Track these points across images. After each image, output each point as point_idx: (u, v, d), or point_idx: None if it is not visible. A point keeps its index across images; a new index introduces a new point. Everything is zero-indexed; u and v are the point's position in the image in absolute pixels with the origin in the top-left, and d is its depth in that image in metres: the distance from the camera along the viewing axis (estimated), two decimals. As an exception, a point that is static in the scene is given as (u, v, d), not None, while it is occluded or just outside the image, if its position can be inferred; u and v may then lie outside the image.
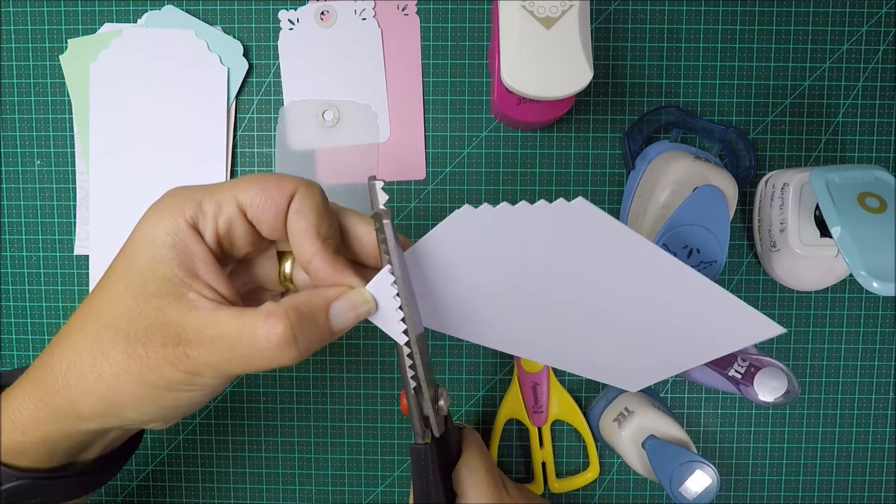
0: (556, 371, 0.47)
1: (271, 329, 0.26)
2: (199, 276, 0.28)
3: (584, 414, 0.47)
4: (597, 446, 0.47)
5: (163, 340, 0.27)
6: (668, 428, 0.41)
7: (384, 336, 0.36)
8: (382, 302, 0.28)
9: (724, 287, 0.45)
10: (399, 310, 0.28)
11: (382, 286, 0.28)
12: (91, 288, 0.46)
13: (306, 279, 0.31)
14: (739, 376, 0.39)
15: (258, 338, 0.26)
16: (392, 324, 0.28)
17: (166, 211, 0.28)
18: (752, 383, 0.38)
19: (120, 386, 0.27)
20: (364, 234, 0.30)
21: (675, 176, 0.40)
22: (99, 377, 0.27)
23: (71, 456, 0.31)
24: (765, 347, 0.47)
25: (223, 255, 0.29)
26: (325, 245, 0.28)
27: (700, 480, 0.38)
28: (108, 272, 0.29)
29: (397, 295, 0.28)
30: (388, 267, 0.27)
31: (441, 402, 0.31)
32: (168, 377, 0.27)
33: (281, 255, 0.32)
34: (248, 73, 0.46)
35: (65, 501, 0.32)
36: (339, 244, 0.30)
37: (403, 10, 0.45)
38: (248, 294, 0.33)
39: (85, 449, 0.32)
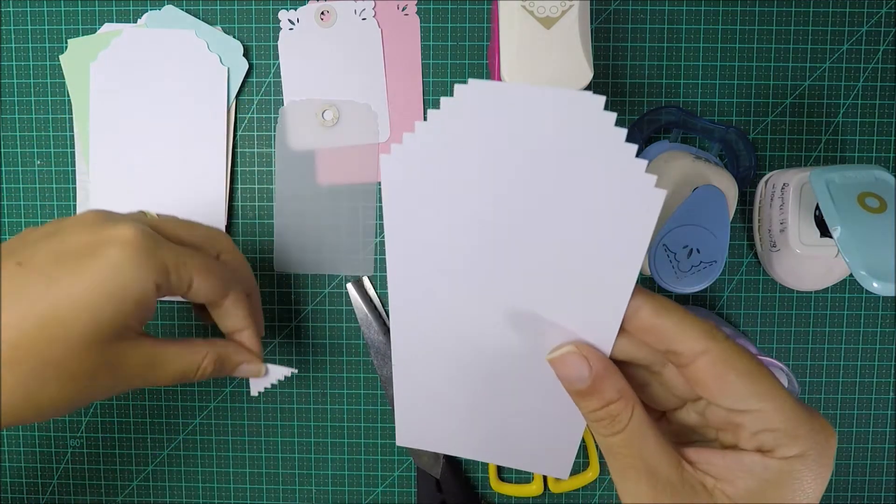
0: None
1: (205, 365, 0.35)
2: (146, 320, 0.33)
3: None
4: (597, 446, 0.47)
5: (108, 372, 0.31)
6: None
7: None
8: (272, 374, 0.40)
9: (723, 287, 0.45)
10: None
11: (275, 372, 0.40)
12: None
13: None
14: (739, 376, 0.39)
15: (192, 368, 0.35)
16: (268, 381, 0.40)
17: (140, 270, 0.31)
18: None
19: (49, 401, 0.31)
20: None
21: (675, 176, 0.40)
22: (33, 406, 0.30)
23: None
24: (765, 347, 0.47)
25: None
26: (250, 329, 0.38)
27: None
28: (55, 291, 0.30)
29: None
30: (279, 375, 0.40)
31: None
32: (98, 386, 0.32)
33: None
34: (248, 73, 0.46)
35: None
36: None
37: (403, 10, 0.45)
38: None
39: None
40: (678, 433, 0.27)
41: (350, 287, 0.46)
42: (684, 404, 0.27)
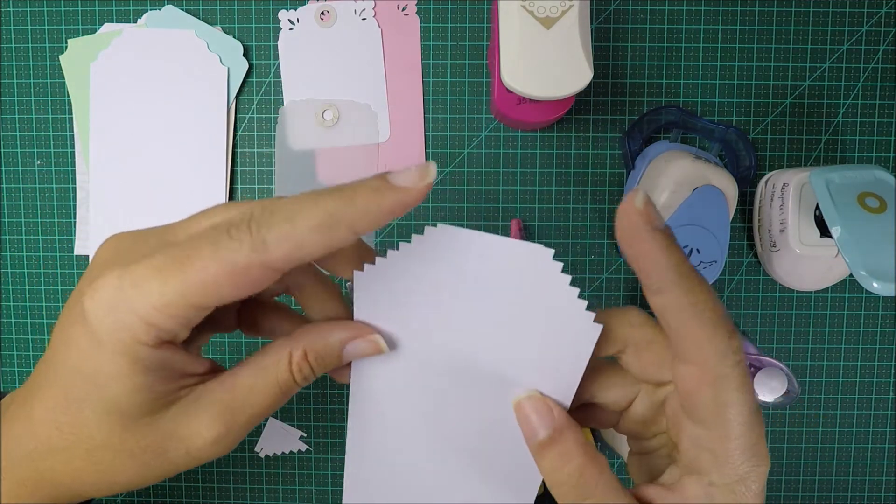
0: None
1: (298, 363, 0.26)
2: (184, 373, 0.25)
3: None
4: (597, 446, 0.47)
5: (160, 444, 0.25)
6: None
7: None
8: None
9: (723, 287, 0.45)
10: None
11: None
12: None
13: (275, 290, 0.28)
14: (739, 376, 0.39)
15: (284, 379, 0.26)
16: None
17: (118, 345, 0.23)
18: (752, 383, 0.38)
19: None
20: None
21: (675, 176, 0.40)
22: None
23: None
24: (765, 347, 0.47)
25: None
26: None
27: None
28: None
29: None
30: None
31: None
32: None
33: None
34: (248, 73, 0.46)
35: None
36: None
37: (403, 10, 0.45)
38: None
39: None
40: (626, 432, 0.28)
41: (350, 286, 0.46)
42: (635, 398, 0.27)
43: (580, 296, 0.25)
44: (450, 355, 0.27)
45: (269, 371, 0.25)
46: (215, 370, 0.26)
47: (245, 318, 0.29)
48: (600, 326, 0.24)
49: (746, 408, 0.23)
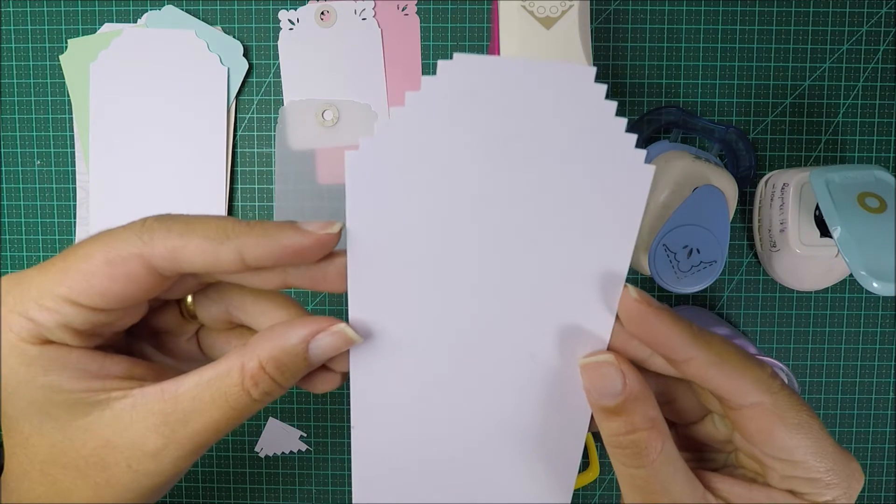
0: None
1: (252, 373, 0.23)
2: (100, 373, 0.23)
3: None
4: (597, 446, 0.47)
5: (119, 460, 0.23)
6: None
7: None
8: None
9: (723, 287, 0.45)
10: None
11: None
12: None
13: (216, 313, 0.26)
14: (739, 376, 0.39)
15: (234, 393, 0.23)
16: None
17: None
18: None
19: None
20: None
21: (675, 176, 0.40)
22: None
23: None
24: (765, 347, 0.47)
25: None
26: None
27: None
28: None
29: None
30: None
31: None
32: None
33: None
34: (248, 73, 0.46)
35: None
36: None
37: (403, 10, 0.45)
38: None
39: None
40: (691, 446, 0.26)
41: None
42: (707, 415, 0.26)
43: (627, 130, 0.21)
44: (477, 266, 0.22)
45: (216, 383, 0.22)
46: (161, 375, 0.24)
47: (203, 338, 0.27)
48: (653, 168, 0.21)
49: (809, 429, 0.23)
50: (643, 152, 0.21)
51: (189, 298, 0.26)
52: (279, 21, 0.46)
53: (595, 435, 0.47)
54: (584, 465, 0.48)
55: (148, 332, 0.26)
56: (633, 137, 0.21)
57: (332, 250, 0.23)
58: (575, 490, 0.48)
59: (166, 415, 0.22)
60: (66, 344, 0.23)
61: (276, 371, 0.23)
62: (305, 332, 0.23)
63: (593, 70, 0.20)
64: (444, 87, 0.20)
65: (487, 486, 0.26)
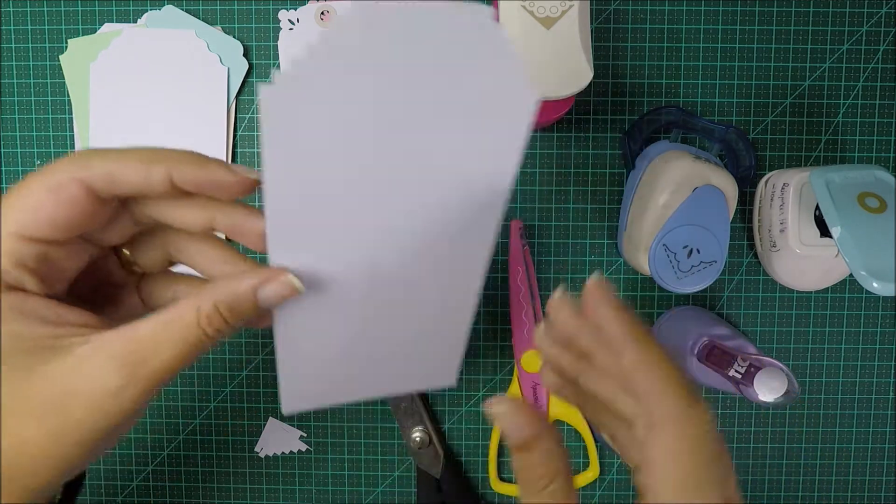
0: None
1: (207, 315, 0.25)
2: (59, 321, 0.25)
3: (584, 414, 0.47)
4: (597, 446, 0.47)
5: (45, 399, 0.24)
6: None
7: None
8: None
9: (723, 287, 0.45)
10: None
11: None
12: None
13: (155, 257, 0.28)
14: (739, 376, 0.39)
15: (193, 334, 0.25)
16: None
17: None
18: (752, 383, 0.38)
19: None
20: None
21: (675, 176, 0.40)
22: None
23: None
24: (765, 347, 0.47)
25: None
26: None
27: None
28: None
29: None
30: None
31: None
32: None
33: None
34: (248, 73, 0.46)
35: None
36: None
37: (403, 10, 0.45)
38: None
39: None
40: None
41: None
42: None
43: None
44: (381, 176, 0.25)
45: (174, 324, 0.24)
46: (113, 325, 0.25)
47: (144, 292, 0.29)
48: (537, 94, 0.24)
49: (691, 456, 0.24)
50: (526, 82, 0.23)
51: (126, 252, 0.28)
52: (279, 21, 0.46)
53: (595, 435, 0.47)
54: (584, 465, 0.48)
55: (90, 289, 0.28)
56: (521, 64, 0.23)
57: (252, 192, 0.25)
58: (575, 490, 0.48)
59: (125, 355, 0.24)
60: (24, 289, 0.24)
61: (229, 313, 0.25)
62: (255, 281, 0.25)
63: (489, 10, 0.22)
64: (352, 29, 0.22)
65: (393, 372, 0.32)
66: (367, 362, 0.31)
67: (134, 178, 0.24)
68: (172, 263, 0.29)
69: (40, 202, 0.23)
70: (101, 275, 0.28)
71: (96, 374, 0.23)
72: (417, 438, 0.46)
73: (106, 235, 0.26)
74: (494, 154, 0.25)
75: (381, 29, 0.22)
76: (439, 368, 0.33)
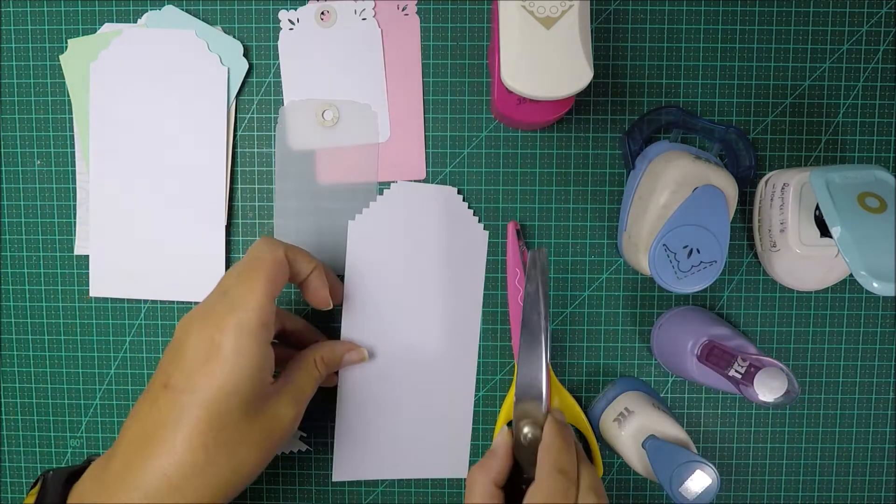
0: (556, 370, 0.47)
1: (318, 365, 0.41)
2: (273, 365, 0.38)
3: (584, 414, 0.47)
4: (598, 446, 0.47)
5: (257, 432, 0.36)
6: (668, 428, 0.41)
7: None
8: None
9: (723, 287, 0.45)
10: None
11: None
12: (90, 289, 0.46)
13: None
14: (739, 376, 0.39)
15: (314, 376, 0.41)
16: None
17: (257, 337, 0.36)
18: (752, 383, 0.38)
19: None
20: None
21: (675, 176, 0.40)
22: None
23: None
24: (765, 347, 0.47)
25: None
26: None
27: (700, 480, 0.38)
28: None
29: None
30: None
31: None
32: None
33: None
34: (248, 73, 0.46)
35: None
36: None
37: (403, 10, 0.45)
38: None
39: None
40: None
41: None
42: None
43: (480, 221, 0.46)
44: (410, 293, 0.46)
45: (310, 370, 0.40)
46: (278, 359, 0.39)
47: (283, 340, 0.45)
48: (487, 232, 0.45)
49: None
50: (483, 232, 0.45)
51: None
52: (279, 21, 0.46)
53: (595, 435, 0.47)
54: (584, 465, 0.48)
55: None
56: (477, 220, 0.45)
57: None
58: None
59: (295, 393, 0.38)
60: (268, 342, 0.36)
61: (325, 363, 0.42)
62: (344, 348, 0.44)
63: (453, 189, 0.45)
64: (394, 198, 0.45)
65: (425, 456, 0.47)
66: (399, 447, 0.46)
67: (301, 268, 0.40)
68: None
69: (275, 271, 0.37)
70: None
71: (285, 408, 0.37)
72: None
73: None
74: (468, 283, 0.46)
75: (408, 200, 0.45)
76: (451, 461, 0.47)
